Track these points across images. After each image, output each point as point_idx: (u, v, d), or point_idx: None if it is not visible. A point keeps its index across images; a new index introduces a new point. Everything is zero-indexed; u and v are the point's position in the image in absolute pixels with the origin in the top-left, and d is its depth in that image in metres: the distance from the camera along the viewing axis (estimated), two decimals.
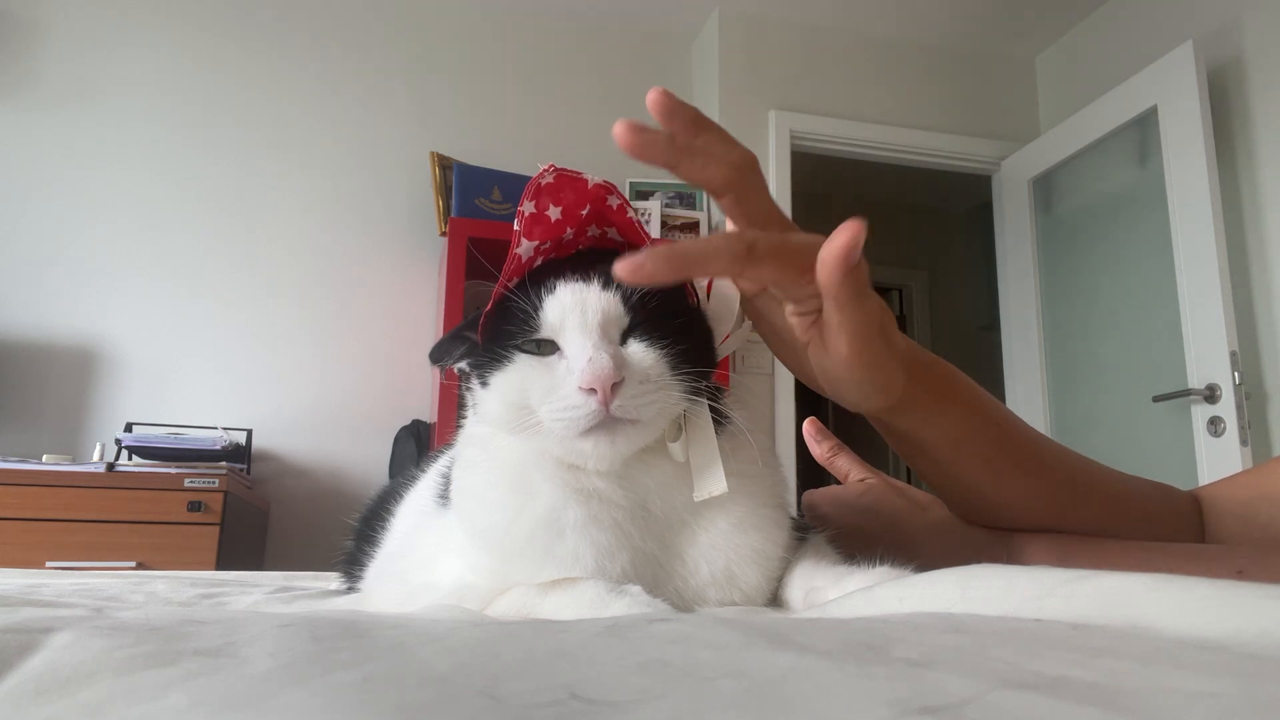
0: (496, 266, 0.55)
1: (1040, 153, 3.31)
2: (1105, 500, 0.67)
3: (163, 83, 3.00)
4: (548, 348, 0.53)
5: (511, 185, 2.90)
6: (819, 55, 3.41)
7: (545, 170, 0.52)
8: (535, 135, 3.33)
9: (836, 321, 0.50)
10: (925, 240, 5.16)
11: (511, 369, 0.53)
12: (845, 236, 0.46)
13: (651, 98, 0.48)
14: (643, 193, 3.22)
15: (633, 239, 0.56)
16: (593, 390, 0.49)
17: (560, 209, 0.53)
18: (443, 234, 2.96)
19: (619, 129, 0.47)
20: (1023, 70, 3.64)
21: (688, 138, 0.49)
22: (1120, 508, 0.68)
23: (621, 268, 0.41)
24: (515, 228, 0.53)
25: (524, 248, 0.54)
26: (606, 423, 0.51)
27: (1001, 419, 0.63)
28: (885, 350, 0.52)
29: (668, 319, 0.54)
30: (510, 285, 0.55)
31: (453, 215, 2.85)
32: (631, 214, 0.54)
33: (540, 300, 0.53)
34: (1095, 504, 0.67)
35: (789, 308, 0.53)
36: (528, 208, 0.52)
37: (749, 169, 0.52)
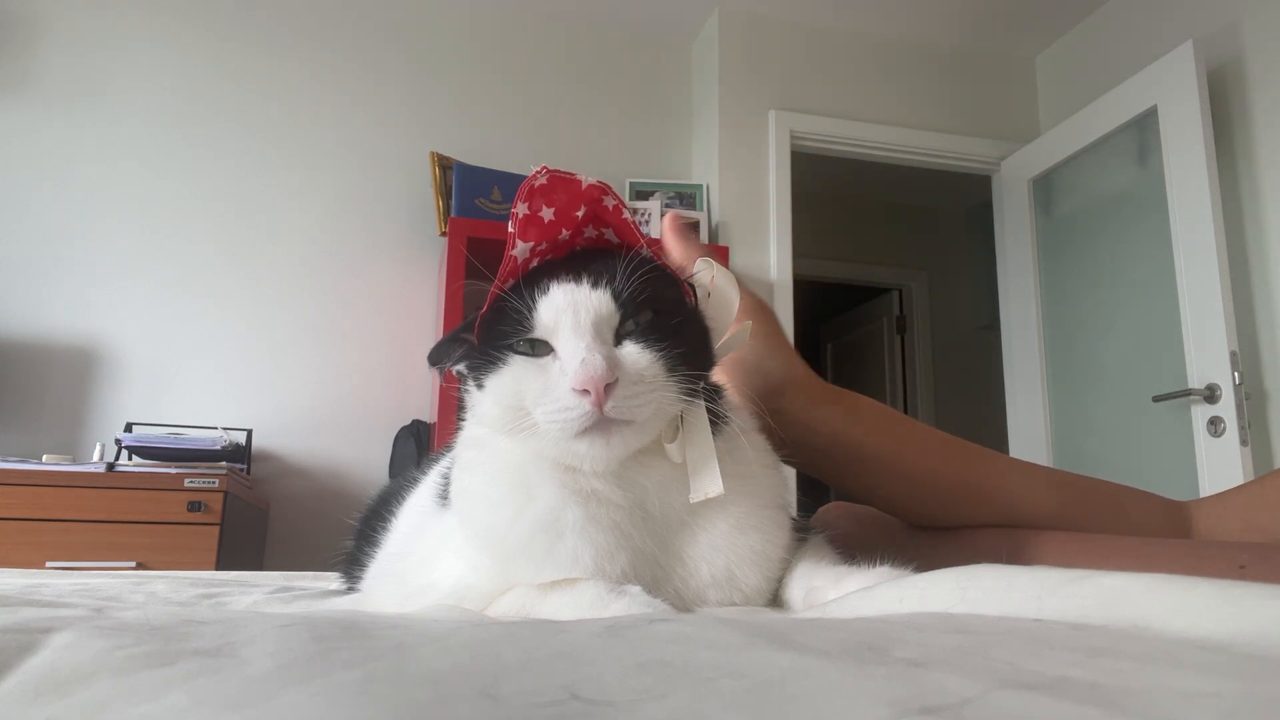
0: (496, 266, 0.55)
1: (1040, 153, 3.31)
2: (1061, 483, 0.69)
3: (163, 83, 3.00)
4: (542, 349, 0.53)
5: (511, 185, 2.91)
6: (819, 55, 3.41)
7: (538, 172, 0.52)
8: (535, 135, 3.33)
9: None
10: (925, 240, 5.16)
11: (506, 371, 0.53)
12: (666, 219, 0.69)
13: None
14: (642, 193, 3.22)
15: (628, 239, 0.56)
16: (586, 391, 0.49)
17: (554, 210, 0.53)
18: (443, 234, 2.96)
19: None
20: (1023, 70, 3.65)
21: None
22: (1079, 492, 0.69)
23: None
24: (509, 229, 0.53)
25: (519, 249, 0.54)
26: (601, 424, 0.50)
27: (915, 421, 0.70)
28: (770, 313, 0.65)
29: (664, 319, 0.54)
30: (506, 286, 0.55)
31: (453, 215, 2.85)
32: (627, 214, 0.54)
33: (534, 301, 0.53)
34: (1050, 486, 0.68)
35: None
36: (521, 209, 0.52)
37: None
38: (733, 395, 0.63)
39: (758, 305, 0.65)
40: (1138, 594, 0.30)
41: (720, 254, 0.75)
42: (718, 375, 0.64)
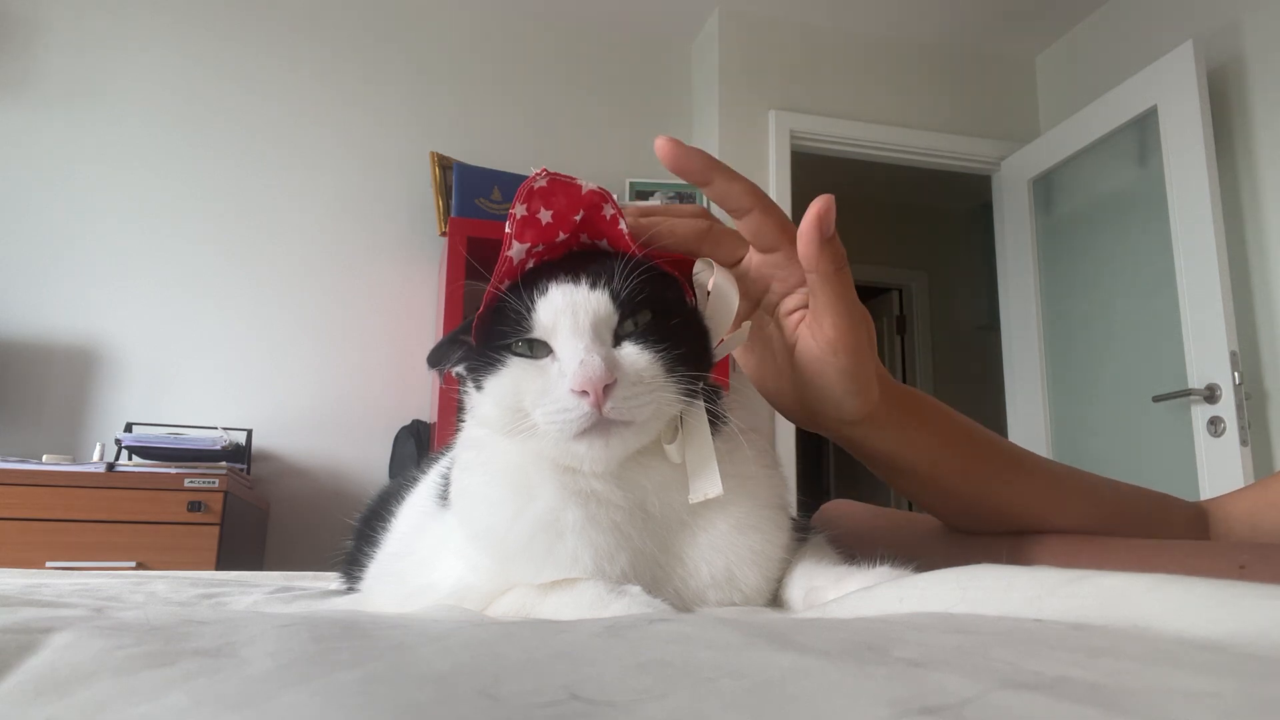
0: (495, 267, 0.55)
1: (1040, 153, 3.31)
2: (1094, 501, 0.68)
3: (163, 83, 3.00)
4: (541, 350, 0.53)
5: (511, 185, 2.91)
6: (819, 55, 3.41)
7: (538, 174, 0.52)
8: (535, 135, 3.33)
9: (823, 299, 0.54)
10: (925, 240, 5.16)
11: (505, 372, 0.53)
12: (817, 206, 0.52)
13: (660, 146, 0.55)
14: (643, 193, 3.22)
15: (624, 250, 0.56)
16: (585, 393, 0.49)
17: (552, 213, 0.53)
18: (443, 234, 2.96)
19: (661, 142, 0.54)
20: (1023, 70, 3.65)
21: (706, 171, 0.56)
22: (1111, 508, 0.69)
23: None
24: (506, 230, 0.53)
25: (515, 250, 0.54)
26: (600, 425, 0.50)
27: (972, 430, 0.66)
28: (867, 341, 0.56)
29: (663, 319, 0.54)
30: (502, 287, 0.55)
31: (453, 215, 2.85)
32: (623, 225, 0.54)
33: (533, 302, 0.53)
34: (1084, 505, 0.67)
35: (780, 309, 0.59)
36: (519, 210, 0.52)
37: (762, 192, 0.57)
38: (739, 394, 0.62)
39: (864, 330, 0.56)
40: (1138, 594, 0.30)
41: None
42: (730, 405, 0.60)
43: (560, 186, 0.52)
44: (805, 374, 0.58)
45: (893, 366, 5.13)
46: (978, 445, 0.65)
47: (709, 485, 0.53)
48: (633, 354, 0.52)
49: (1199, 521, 0.73)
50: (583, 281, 0.53)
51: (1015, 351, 3.39)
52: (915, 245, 5.14)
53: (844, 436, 0.62)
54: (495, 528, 0.55)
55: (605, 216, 0.54)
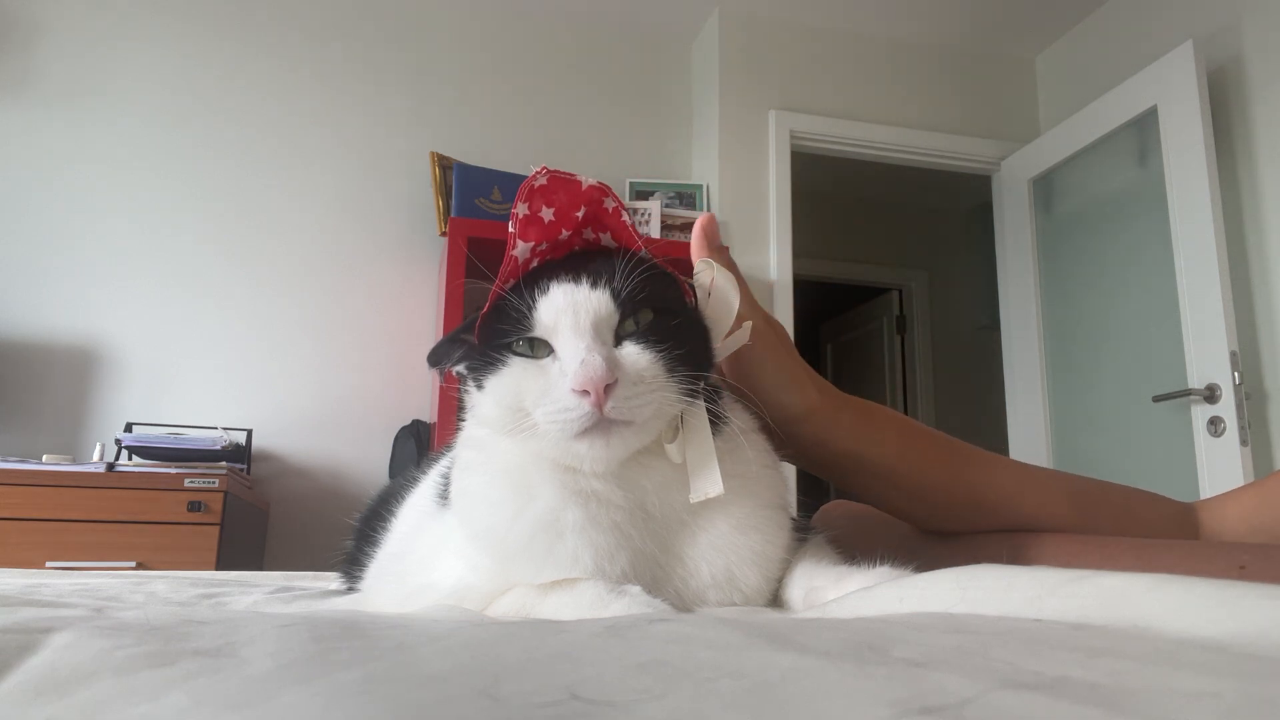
0: (496, 266, 0.55)
1: (1040, 153, 3.31)
2: (1066, 486, 0.68)
3: (163, 83, 3.00)
4: (542, 349, 0.53)
5: (511, 185, 2.91)
6: (819, 55, 3.41)
7: (538, 172, 0.52)
8: (535, 135, 3.33)
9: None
10: (925, 240, 5.16)
11: (506, 372, 0.53)
12: (701, 219, 0.63)
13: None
14: (643, 193, 3.22)
15: (626, 243, 0.56)
16: (585, 392, 0.49)
17: (554, 210, 0.53)
18: (443, 234, 2.96)
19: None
20: (1023, 70, 3.64)
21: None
22: (1082, 495, 0.69)
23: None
24: (510, 229, 0.53)
25: (520, 249, 0.54)
26: (601, 425, 0.50)
27: (930, 428, 0.68)
28: (776, 339, 0.61)
29: (663, 319, 0.54)
30: (506, 286, 0.55)
31: (453, 215, 2.85)
32: (626, 217, 0.54)
33: (534, 301, 0.53)
34: (1056, 489, 0.68)
35: None
36: (521, 209, 0.52)
37: None
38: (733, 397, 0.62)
39: (769, 331, 0.61)
40: (1138, 594, 0.30)
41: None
42: (731, 406, 0.63)
43: (560, 184, 0.52)
44: (736, 381, 0.61)
45: (892, 367, 5.12)
46: (937, 438, 0.66)
47: (710, 485, 0.53)
48: (634, 354, 0.52)
49: (1186, 519, 0.73)
50: (584, 280, 0.53)
51: (1015, 351, 3.39)
52: (915, 245, 5.14)
53: (806, 440, 0.62)
54: (495, 528, 0.55)
55: (607, 210, 0.54)
